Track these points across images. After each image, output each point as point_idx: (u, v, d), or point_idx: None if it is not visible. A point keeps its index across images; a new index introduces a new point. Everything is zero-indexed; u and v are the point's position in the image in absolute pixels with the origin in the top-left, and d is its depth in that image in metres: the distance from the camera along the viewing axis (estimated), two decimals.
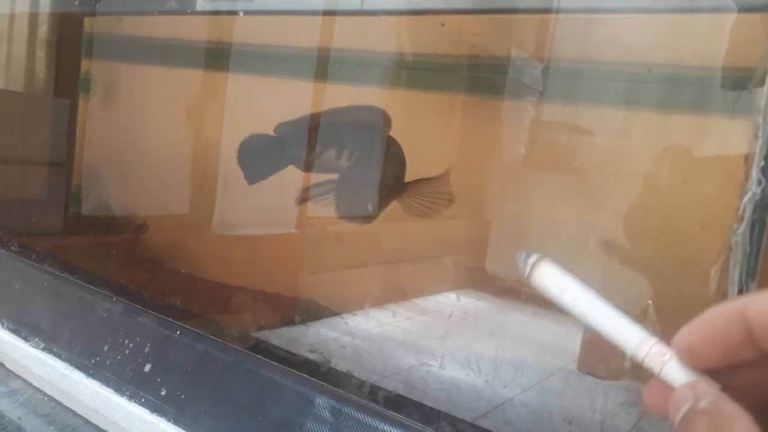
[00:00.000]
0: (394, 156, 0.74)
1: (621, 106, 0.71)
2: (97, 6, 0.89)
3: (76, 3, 0.92)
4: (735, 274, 0.36)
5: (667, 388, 0.24)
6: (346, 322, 0.84)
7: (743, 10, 0.40)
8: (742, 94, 0.46)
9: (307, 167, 0.79)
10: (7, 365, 0.73)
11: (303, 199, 0.84)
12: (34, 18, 1.15)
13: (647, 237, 0.61)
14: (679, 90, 0.61)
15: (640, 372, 0.73)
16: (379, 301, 0.86)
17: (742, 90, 0.46)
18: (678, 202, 0.60)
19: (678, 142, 0.63)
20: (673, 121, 0.64)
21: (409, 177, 0.75)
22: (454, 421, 0.49)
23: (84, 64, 1.19)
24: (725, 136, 0.52)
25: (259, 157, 0.79)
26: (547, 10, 0.59)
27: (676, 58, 0.60)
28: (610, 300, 0.27)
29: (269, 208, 1.05)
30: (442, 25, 0.75)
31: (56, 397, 0.67)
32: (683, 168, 0.61)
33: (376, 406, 0.51)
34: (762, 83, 0.34)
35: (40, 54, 1.16)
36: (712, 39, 0.50)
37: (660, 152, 0.64)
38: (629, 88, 0.68)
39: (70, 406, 0.66)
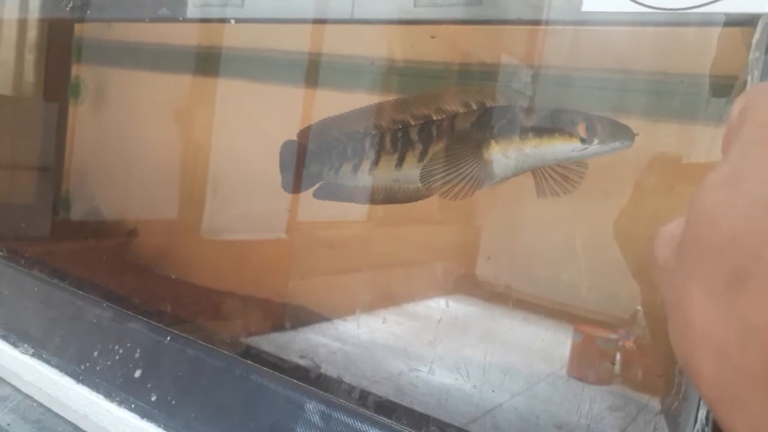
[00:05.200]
0: None
1: (609, 114, 0.72)
2: (88, 12, 0.89)
3: (67, 9, 0.92)
4: None
5: None
6: (337, 328, 0.84)
7: (727, 24, 0.41)
8: (729, 104, 0.47)
9: None
10: None
11: None
12: (23, 23, 1.15)
13: (635, 243, 0.62)
14: (667, 98, 0.62)
15: (627, 378, 0.74)
16: (370, 307, 0.86)
17: (729, 100, 0.47)
18: (664, 209, 0.61)
19: (665, 149, 0.64)
20: (661, 129, 0.65)
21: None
22: (443, 426, 0.49)
23: (74, 69, 1.19)
24: (712, 144, 0.53)
25: None
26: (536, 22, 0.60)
27: (664, 67, 0.61)
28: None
29: (259, 213, 1.05)
30: (432, 37, 0.75)
31: (45, 403, 0.67)
32: (670, 175, 0.62)
33: (366, 411, 0.52)
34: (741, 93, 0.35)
35: (30, 58, 1.16)
36: (698, 51, 0.51)
37: (647, 160, 0.65)
38: (617, 96, 0.69)
39: (59, 413, 0.65)
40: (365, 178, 0.74)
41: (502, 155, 0.63)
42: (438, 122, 0.69)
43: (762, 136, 0.20)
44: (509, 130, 0.63)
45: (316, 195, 0.80)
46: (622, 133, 0.59)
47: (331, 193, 0.79)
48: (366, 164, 0.74)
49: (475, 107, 0.67)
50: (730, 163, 0.21)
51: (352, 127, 0.76)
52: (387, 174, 0.72)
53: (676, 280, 0.21)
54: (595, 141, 0.59)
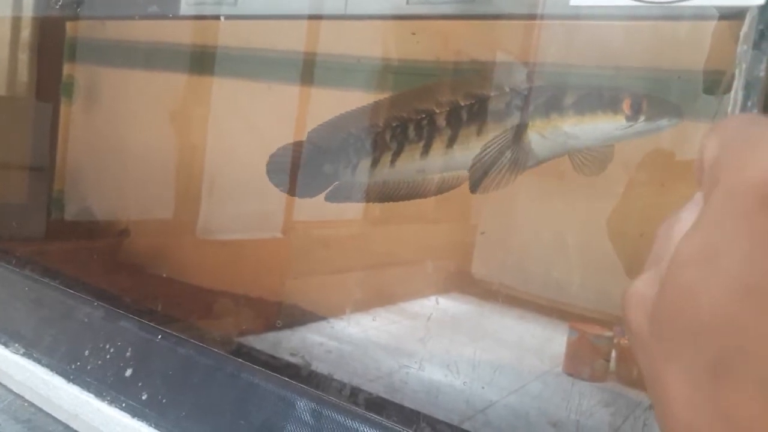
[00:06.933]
0: None
1: None
2: (79, 10, 0.89)
3: (58, 7, 0.91)
4: None
5: None
6: (332, 327, 0.84)
7: (714, 17, 0.41)
8: (723, 99, 0.47)
9: None
10: None
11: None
12: (16, 22, 1.14)
13: (626, 240, 0.62)
14: (660, 94, 0.61)
15: (622, 375, 0.74)
16: (364, 305, 0.86)
17: (718, 95, 0.47)
18: (655, 206, 0.61)
19: (658, 146, 0.64)
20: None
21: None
22: (433, 422, 0.49)
23: (66, 68, 1.18)
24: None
25: None
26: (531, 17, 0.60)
27: (656, 62, 0.61)
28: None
29: (254, 212, 1.05)
30: (413, 33, 0.74)
31: (36, 402, 0.67)
32: (661, 172, 0.62)
33: (357, 409, 0.52)
34: (730, 88, 0.35)
35: (22, 58, 1.16)
36: (691, 46, 0.51)
37: (639, 157, 0.65)
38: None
39: (50, 412, 0.65)
40: (386, 171, 0.71)
41: (539, 135, 0.60)
42: (468, 107, 0.65)
43: (736, 206, 0.19)
44: (547, 108, 0.59)
45: (328, 198, 0.77)
46: (669, 109, 0.55)
47: (346, 194, 0.76)
48: (387, 156, 0.71)
49: (507, 90, 0.63)
50: (704, 235, 0.20)
51: (368, 121, 0.74)
52: (411, 164, 0.69)
53: (654, 358, 0.21)
54: (641, 118, 0.54)
